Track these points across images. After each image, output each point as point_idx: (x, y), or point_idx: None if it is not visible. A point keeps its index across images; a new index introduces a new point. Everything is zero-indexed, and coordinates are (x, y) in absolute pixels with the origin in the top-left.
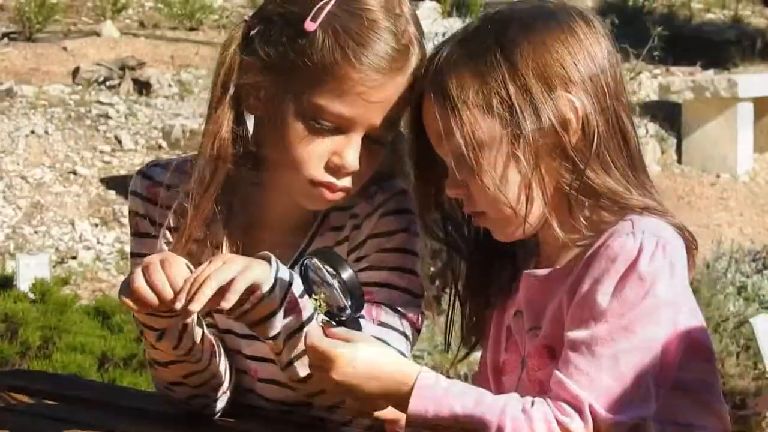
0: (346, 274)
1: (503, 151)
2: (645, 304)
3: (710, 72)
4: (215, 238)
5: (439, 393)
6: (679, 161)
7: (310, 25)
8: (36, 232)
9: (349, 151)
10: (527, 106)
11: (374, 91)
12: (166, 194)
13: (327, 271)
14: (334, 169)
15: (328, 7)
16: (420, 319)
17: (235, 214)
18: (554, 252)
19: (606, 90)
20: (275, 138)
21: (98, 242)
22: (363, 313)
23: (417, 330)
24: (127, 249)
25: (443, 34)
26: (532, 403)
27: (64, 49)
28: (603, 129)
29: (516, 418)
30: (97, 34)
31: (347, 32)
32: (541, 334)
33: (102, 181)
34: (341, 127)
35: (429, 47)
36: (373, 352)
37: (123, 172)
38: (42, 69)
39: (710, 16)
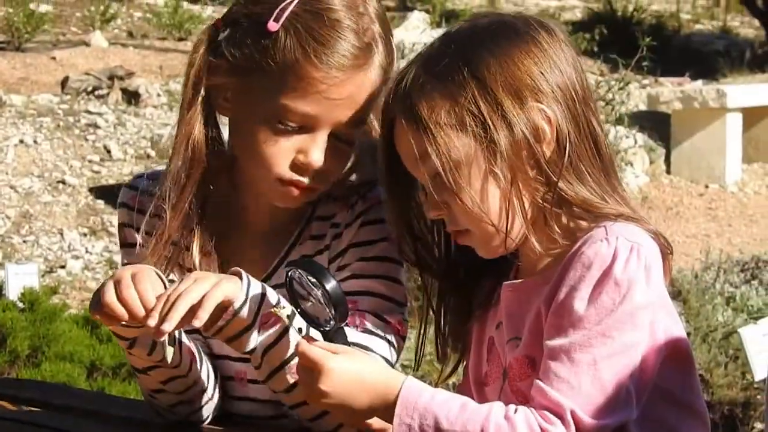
0: (330, 284)
1: (480, 168)
2: (622, 309)
3: (699, 82)
4: (191, 242)
5: (424, 402)
6: (668, 171)
7: (272, 26)
8: (25, 241)
9: (315, 149)
10: (500, 121)
11: (336, 88)
12: (148, 201)
13: (310, 281)
14: (300, 168)
15: (291, 8)
16: (404, 326)
17: (212, 217)
18: (532, 261)
19: (575, 97)
20: (243, 138)
21: (87, 252)
22: (347, 322)
23: (402, 337)
24: (116, 258)
25: None
26: (516, 410)
27: (53, 58)
28: (575, 137)
29: (499, 425)
30: (86, 44)
31: (308, 31)
32: (521, 344)
33: (91, 190)
34: (306, 126)
35: None
36: (361, 364)
37: (112, 182)
38: (31, 78)
39: (699, 26)
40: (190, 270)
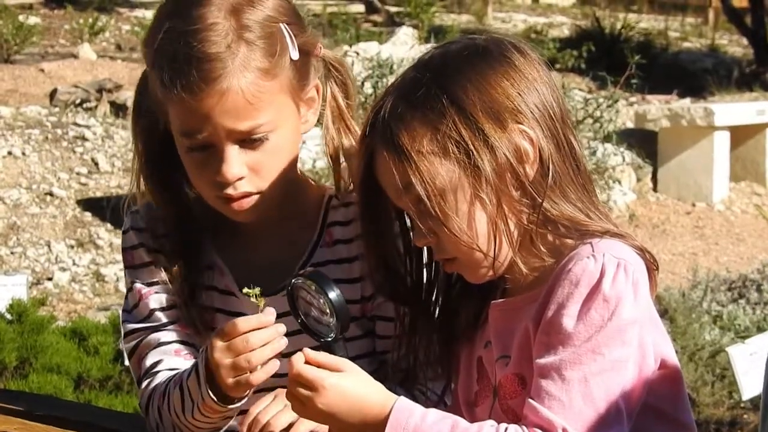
0: (333, 294)
1: (466, 194)
2: (611, 325)
3: (687, 100)
4: (214, 262)
5: (414, 422)
6: (655, 189)
7: (148, 64)
8: (12, 252)
9: (222, 164)
10: (482, 146)
11: (199, 104)
12: (155, 223)
13: (314, 290)
14: (223, 184)
15: (157, 42)
16: None
17: (224, 235)
18: (518, 280)
19: (553, 116)
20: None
21: (74, 264)
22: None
23: None
24: (103, 271)
25: None
26: (506, 429)
27: (42, 71)
28: (556, 155)
29: None
30: (75, 57)
31: (163, 63)
32: (511, 362)
33: (78, 202)
34: (206, 145)
35: None
36: (355, 383)
37: (99, 194)
38: (19, 90)
39: (687, 44)
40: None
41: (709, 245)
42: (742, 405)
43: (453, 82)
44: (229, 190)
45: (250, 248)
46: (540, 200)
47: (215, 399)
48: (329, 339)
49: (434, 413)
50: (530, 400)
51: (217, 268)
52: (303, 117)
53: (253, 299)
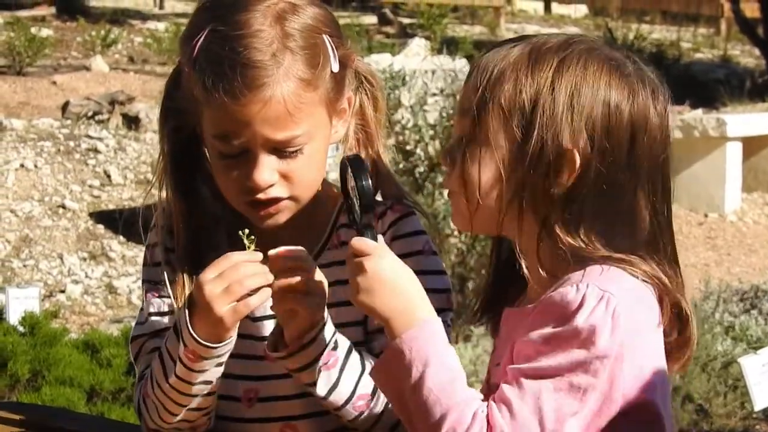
0: (362, 182)
1: (495, 161)
2: (577, 353)
3: (699, 111)
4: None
5: (431, 348)
6: None
7: (187, 64)
8: (25, 265)
9: (255, 171)
10: (540, 134)
11: (244, 110)
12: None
13: (350, 173)
14: (254, 190)
15: (199, 43)
16: (449, 330)
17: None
18: (533, 291)
19: (631, 162)
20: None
21: (86, 276)
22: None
23: None
24: (115, 283)
25: (432, 72)
26: (476, 415)
27: (54, 83)
28: (597, 192)
29: (462, 418)
30: (87, 69)
31: (205, 66)
32: (500, 369)
33: (91, 215)
34: (242, 152)
35: (418, 84)
36: (408, 274)
37: (111, 207)
38: (32, 103)
39: (699, 55)
40: None
41: (722, 256)
42: (754, 416)
43: (574, 69)
44: (260, 195)
45: (263, 249)
46: (552, 221)
47: (199, 339)
48: (358, 225)
49: (450, 357)
50: (491, 402)
51: None
52: (334, 128)
53: (245, 240)
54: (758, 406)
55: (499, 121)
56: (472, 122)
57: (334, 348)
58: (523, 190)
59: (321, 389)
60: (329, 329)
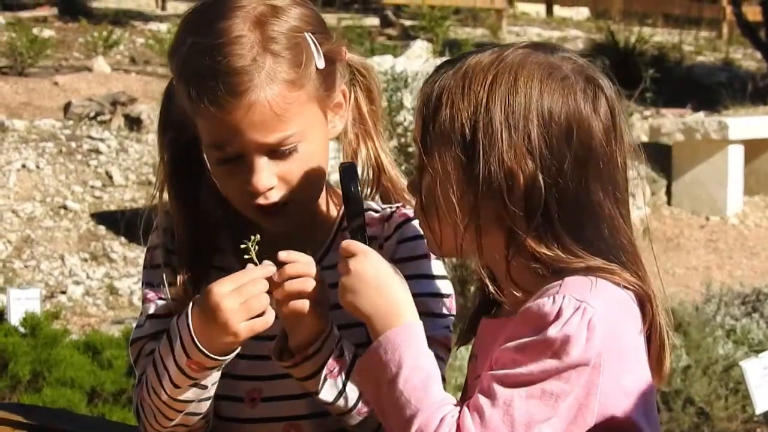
0: (349, 187)
1: (445, 188)
2: (550, 362)
3: (701, 114)
4: (229, 264)
5: (408, 351)
6: (669, 203)
7: (174, 77)
8: (26, 266)
9: (253, 177)
10: (484, 157)
11: (230, 117)
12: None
13: (341, 179)
14: (255, 194)
15: (182, 56)
16: (450, 336)
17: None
18: (511, 302)
19: (578, 169)
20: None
21: (88, 277)
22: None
23: (448, 348)
24: (116, 284)
25: None
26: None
27: (56, 84)
28: (550, 192)
29: (429, 421)
30: (89, 70)
31: (190, 78)
32: (480, 380)
33: (92, 216)
34: (238, 157)
35: (420, 86)
36: (393, 276)
37: (113, 208)
38: (33, 103)
39: (701, 58)
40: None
41: (723, 259)
42: (755, 419)
43: (506, 84)
44: (261, 200)
45: (269, 250)
46: (519, 234)
47: (206, 351)
48: (349, 229)
49: (427, 359)
50: (464, 408)
51: (233, 269)
52: (330, 123)
53: (253, 255)
54: (759, 410)
55: (442, 147)
56: (421, 151)
57: (340, 355)
58: (478, 213)
59: (327, 396)
60: (334, 337)
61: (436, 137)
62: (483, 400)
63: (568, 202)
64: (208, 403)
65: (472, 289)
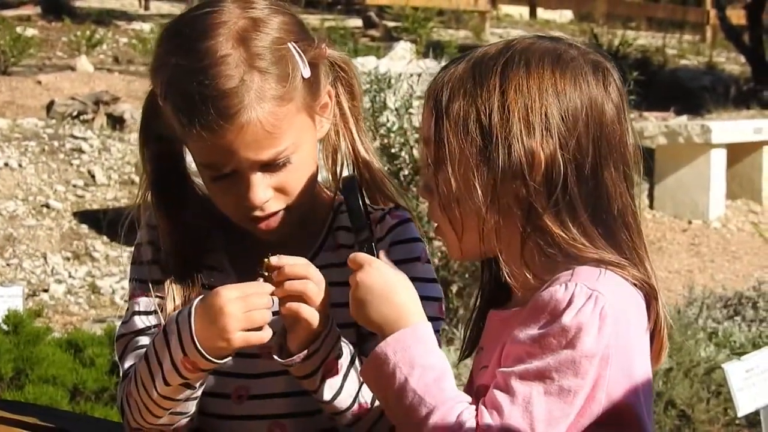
0: (350, 202)
1: (465, 175)
2: (566, 353)
3: (684, 118)
4: (219, 263)
5: (416, 352)
6: (651, 206)
7: (160, 97)
8: (8, 264)
9: (250, 193)
10: (502, 140)
11: (223, 140)
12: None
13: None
14: (251, 208)
15: (167, 79)
16: (438, 338)
17: (232, 238)
18: (519, 296)
19: (592, 145)
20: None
21: (70, 276)
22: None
23: None
24: (99, 283)
25: (418, 75)
26: (462, 414)
27: (39, 82)
28: (571, 178)
29: (445, 420)
30: (72, 69)
31: (178, 102)
32: (488, 371)
33: (75, 215)
34: (231, 173)
35: (403, 88)
36: (400, 282)
37: (96, 207)
38: (16, 102)
39: (685, 61)
40: (210, 287)
41: (705, 263)
42: (737, 422)
43: (518, 68)
44: (258, 212)
45: (260, 251)
46: (537, 215)
47: (204, 353)
48: (356, 242)
49: (435, 356)
50: (481, 405)
51: (224, 270)
52: (318, 124)
53: (265, 273)
54: (741, 413)
55: (459, 136)
56: (435, 146)
57: (338, 357)
58: (499, 196)
59: (325, 395)
60: (334, 337)
61: (451, 128)
62: (501, 397)
63: (584, 178)
64: (195, 402)
65: (454, 289)
